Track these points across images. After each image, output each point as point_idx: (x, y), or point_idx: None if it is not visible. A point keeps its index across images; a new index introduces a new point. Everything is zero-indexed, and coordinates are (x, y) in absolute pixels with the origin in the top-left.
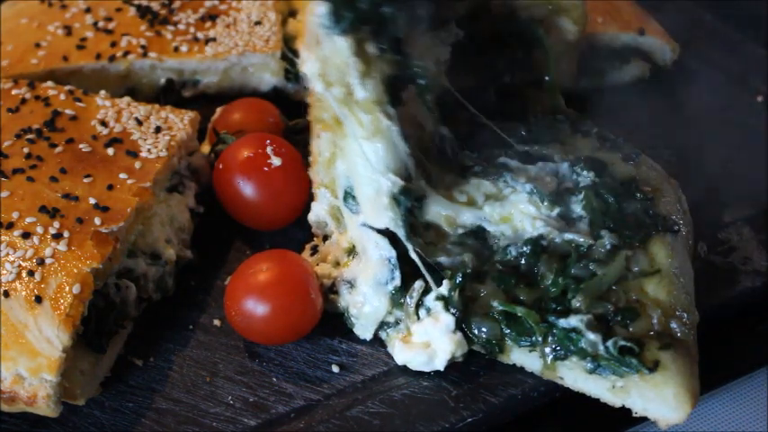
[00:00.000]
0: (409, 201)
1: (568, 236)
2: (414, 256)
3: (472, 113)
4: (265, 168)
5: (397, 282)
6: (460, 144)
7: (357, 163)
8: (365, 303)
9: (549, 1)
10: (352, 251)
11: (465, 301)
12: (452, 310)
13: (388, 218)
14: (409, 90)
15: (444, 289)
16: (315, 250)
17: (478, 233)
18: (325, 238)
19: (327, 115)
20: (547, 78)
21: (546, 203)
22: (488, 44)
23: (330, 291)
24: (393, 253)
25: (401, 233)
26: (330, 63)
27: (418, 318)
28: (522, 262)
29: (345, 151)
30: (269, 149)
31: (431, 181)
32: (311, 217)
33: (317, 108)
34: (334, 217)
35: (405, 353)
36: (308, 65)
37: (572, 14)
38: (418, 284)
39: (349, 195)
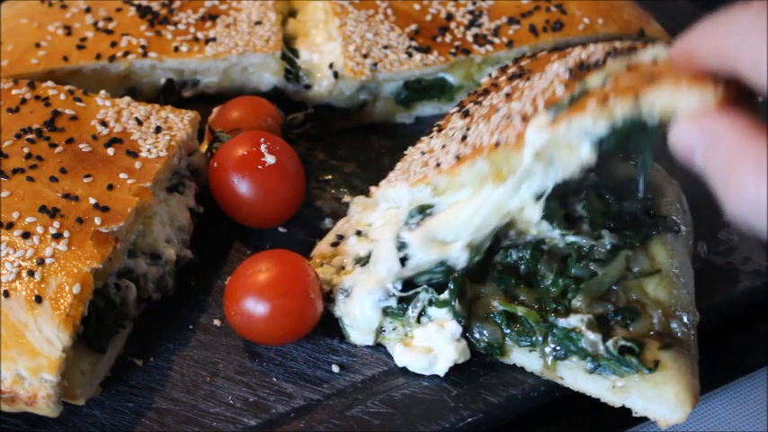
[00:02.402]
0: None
1: (570, 238)
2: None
3: None
4: (259, 167)
5: (392, 304)
6: None
7: (468, 210)
8: (359, 316)
9: None
10: (361, 261)
11: (468, 306)
12: (458, 318)
13: (418, 266)
14: None
15: (446, 298)
16: (339, 240)
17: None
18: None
19: (505, 168)
20: None
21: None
22: None
23: (328, 298)
24: (399, 277)
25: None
26: (560, 150)
27: (419, 323)
28: (522, 266)
29: (479, 194)
30: (263, 147)
31: None
32: (380, 191)
33: (497, 153)
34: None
35: (405, 356)
36: (534, 134)
37: None
38: (423, 296)
39: (426, 211)
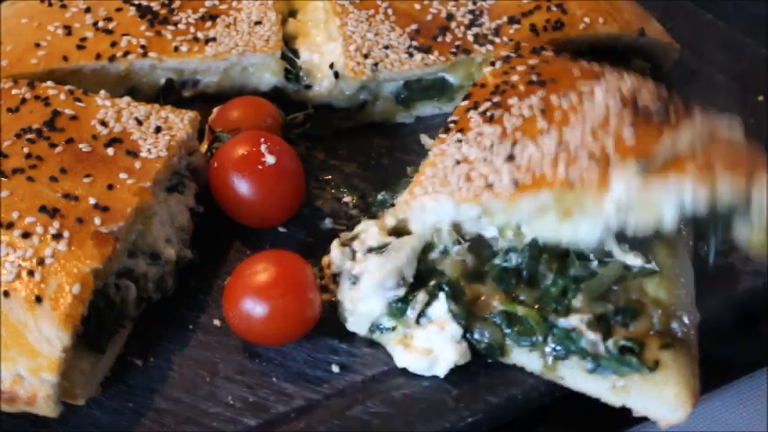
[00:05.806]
0: None
1: None
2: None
3: None
4: (259, 166)
5: (400, 293)
6: None
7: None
8: (362, 301)
9: None
10: (374, 250)
11: (467, 307)
12: (458, 320)
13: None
14: None
15: (444, 300)
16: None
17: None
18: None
19: (576, 208)
20: None
21: None
22: None
23: (333, 281)
24: (410, 272)
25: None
26: (643, 206)
27: (419, 324)
28: (523, 268)
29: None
30: (263, 147)
31: None
32: (416, 201)
33: (571, 192)
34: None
35: (405, 357)
36: (622, 186)
37: None
38: (421, 296)
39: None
